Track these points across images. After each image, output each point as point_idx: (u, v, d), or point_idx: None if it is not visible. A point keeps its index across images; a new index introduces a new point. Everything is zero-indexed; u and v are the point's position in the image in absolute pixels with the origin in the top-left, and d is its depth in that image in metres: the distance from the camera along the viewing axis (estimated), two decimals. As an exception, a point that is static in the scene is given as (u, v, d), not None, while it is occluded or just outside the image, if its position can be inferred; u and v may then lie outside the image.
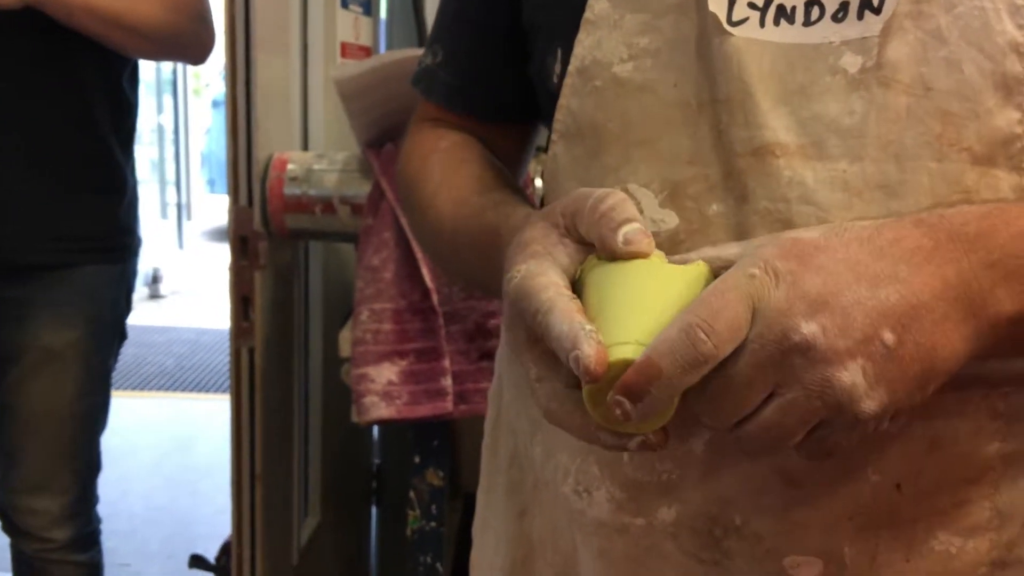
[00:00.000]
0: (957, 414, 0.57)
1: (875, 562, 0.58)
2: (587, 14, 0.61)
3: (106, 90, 1.64)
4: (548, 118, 0.69)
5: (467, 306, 1.49)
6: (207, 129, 7.00)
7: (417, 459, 1.53)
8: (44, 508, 1.66)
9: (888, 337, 0.46)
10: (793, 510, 0.57)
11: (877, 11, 0.54)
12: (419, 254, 1.48)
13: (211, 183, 6.94)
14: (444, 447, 1.54)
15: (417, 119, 0.79)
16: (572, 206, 0.54)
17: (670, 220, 0.58)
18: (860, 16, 0.54)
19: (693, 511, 0.60)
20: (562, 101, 0.63)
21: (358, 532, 2.22)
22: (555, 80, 0.64)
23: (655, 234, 0.55)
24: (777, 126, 0.55)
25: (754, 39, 0.56)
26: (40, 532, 1.66)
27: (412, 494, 1.53)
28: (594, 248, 0.53)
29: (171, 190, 6.83)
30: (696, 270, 0.51)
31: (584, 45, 0.61)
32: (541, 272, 0.52)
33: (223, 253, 7.16)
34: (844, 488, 0.57)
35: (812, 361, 0.46)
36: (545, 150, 0.70)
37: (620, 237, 0.51)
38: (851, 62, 0.55)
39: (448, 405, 1.46)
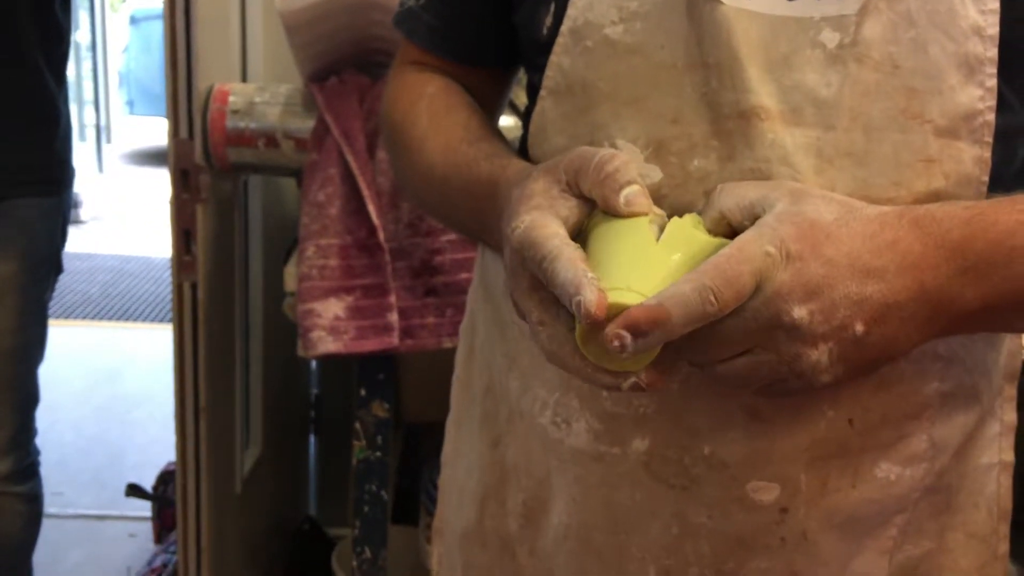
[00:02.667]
0: (903, 357, 0.61)
1: (826, 488, 0.64)
2: None
3: (37, 16, 1.59)
4: (531, 66, 0.71)
5: (413, 243, 1.50)
6: (125, 47, 6.67)
7: (363, 392, 1.56)
8: (-16, 441, 1.65)
9: (859, 328, 0.53)
10: (756, 441, 0.63)
11: None
12: (365, 191, 1.47)
13: (130, 104, 6.62)
14: (389, 380, 1.57)
15: (399, 61, 0.80)
16: (575, 164, 0.58)
17: (654, 175, 0.62)
18: None
19: (665, 441, 0.65)
20: (553, 59, 0.65)
21: (297, 461, 2.25)
22: (543, 31, 0.66)
23: None
24: (762, 91, 0.59)
25: (743, 9, 0.59)
26: (-20, 465, 1.66)
27: (358, 425, 1.56)
28: (594, 204, 0.57)
29: (89, 111, 6.55)
30: (686, 221, 0.56)
31: (577, 7, 0.63)
32: (545, 224, 0.56)
33: (144, 177, 6.87)
34: (802, 423, 0.63)
35: (793, 338, 0.53)
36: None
37: (622, 198, 0.55)
38: (830, 38, 0.58)
39: (394, 340, 1.48)
